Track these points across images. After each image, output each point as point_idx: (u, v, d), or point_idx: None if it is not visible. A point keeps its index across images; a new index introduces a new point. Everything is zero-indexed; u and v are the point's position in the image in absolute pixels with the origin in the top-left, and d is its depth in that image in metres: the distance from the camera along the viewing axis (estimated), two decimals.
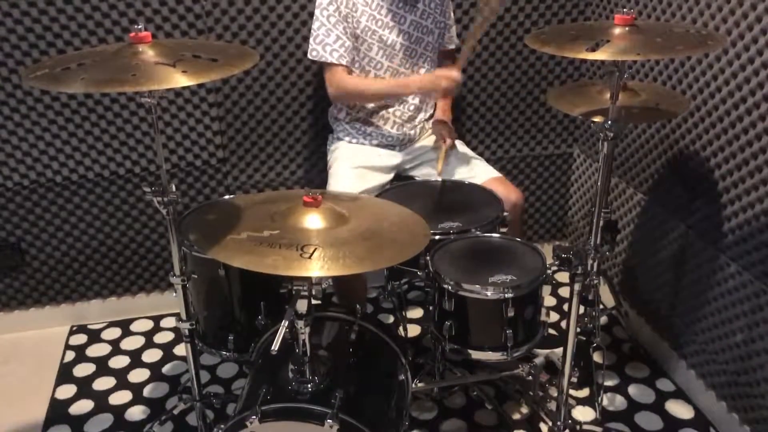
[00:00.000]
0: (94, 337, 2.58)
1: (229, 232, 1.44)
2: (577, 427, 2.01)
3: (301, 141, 2.57)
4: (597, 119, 1.84)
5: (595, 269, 1.71)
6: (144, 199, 2.51)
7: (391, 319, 2.61)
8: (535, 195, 2.87)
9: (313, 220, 1.47)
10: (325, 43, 2.10)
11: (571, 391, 2.19)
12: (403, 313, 2.56)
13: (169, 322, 2.64)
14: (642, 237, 2.39)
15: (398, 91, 2.22)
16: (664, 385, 2.25)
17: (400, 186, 2.22)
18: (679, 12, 2.04)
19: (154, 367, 2.40)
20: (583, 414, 2.12)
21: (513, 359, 1.76)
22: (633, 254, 2.47)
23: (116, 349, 2.50)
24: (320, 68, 2.23)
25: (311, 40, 2.13)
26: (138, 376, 2.36)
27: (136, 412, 2.19)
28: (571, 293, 1.70)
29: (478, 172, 2.22)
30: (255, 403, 1.44)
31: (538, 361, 2.06)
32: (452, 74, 2.07)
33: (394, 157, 2.29)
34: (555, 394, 1.92)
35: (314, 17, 2.12)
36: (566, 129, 2.77)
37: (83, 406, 2.23)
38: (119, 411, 2.20)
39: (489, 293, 1.68)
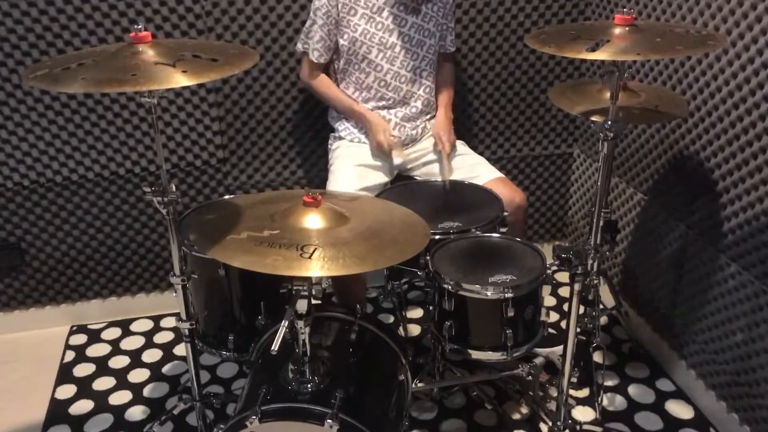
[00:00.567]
0: (94, 337, 2.58)
1: (229, 232, 1.44)
2: (577, 427, 2.01)
3: (301, 141, 2.57)
4: (596, 119, 1.84)
5: (595, 269, 1.71)
6: (144, 199, 2.51)
7: (391, 319, 2.61)
8: (535, 195, 2.87)
9: (313, 220, 1.47)
10: (311, 38, 2.21)
11: (571, 391, 2.19)
12: (403, 313, 2.57)
13: (169, 322, 2.64)
14: (642, 237, 2.39)
15: (349, 114, 2.29)
16: (664, 385, 2.25)
17: (400, 186, 2.22)
18: (679, 12, 2.04)
19: (154, 367, 2.40)
20: (583, 414, 2.12)
21: (513, 359, 1.76)
22: (633, 254, 2.47)
23: (116, 349, 2.50)
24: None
25: (302, 33, 2.25)
26: (138, 376, 2.36)
27: (136, 412, 2.19)
28: (571, 293, 1.70)
29: (481, 172, 2.22)
30: (255, 403, 1.44)
31: (538, 361, 2.06)
32: (384, 141, 2.17)
33: (395, 157, 2.28)
34: (555, 394, 1.92)
35: (310, 14, 2.20)
36: (566, 129, 2.77)
37: (83, 406, 2.23)
38: (119, 411, 2.20)
39: (489, 293, 1.68)
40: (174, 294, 1.74)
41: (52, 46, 2.26)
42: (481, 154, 2.38)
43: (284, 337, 1.41)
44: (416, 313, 2.65)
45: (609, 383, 2.24)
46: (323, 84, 2.28)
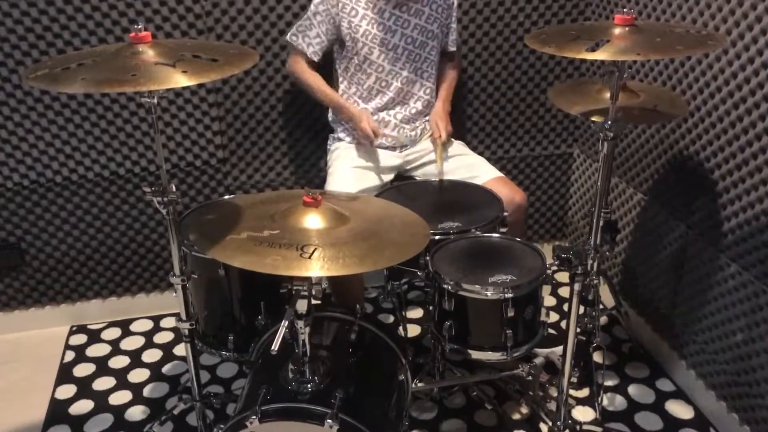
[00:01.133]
0: (94, 337, 2.58)
1: (229, 232, 1.44)
2: (577, 427, 2.01)
3: (301, 141, 2.57)
4: (596, 119, 1.84)
5: (595, 269, 1.71)
6: (144, 199, 2.51)
7: (391, 319, 2.61)
8: (535, 195, 2.87)
9: (313, 220, 1.47)
10: (305, 34, 2.21)
11: (571, 391, 2.19)
12: (403, 313, 2.56)
13: (169, 322, 2.64)
14: (642, 237, 2.39)
15: (334, 108, 2.29)
16: (664, 385, 2.25)
17: (400, 186, 2.22)
18: (679, 12, 2.04)
19: (154, 367, 2.40)
20: (583, 414, 2.12)
21: (513, 359, 1.76)
22: (633, 254, 2.47)
23: (116, 349, 2.50)
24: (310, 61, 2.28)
25: (295, 26, 2.24)
26: (138, 376, 2.36)
27: (136, 412, 2.19)
28: (571, 293, 1.70)
29: (481, 172, 2.22)
30: (255, 403, 1.44)
31: (538, 361, 2.06)
32: (369, 132, 2.15)
33: (394, 158, 2.29)
34: (555, 394, 1.92)
35: (308, 8, 2.20)
36: (566, 129, 2.77)
37: (83, 406, 2.23)
38: (119, 411, 2.20)
39: (489, 293, 1.68)
40: (174, 294, 1.74)
41: (52, 46, 2.26)
42: (480, 154, 2.38)
43: (284, 337, 1.41)
44: (416, 313, 2.65)
45: (609, 383, 2.24)
46: (310, 75, 2.26)
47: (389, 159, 2.28)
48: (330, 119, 2.38)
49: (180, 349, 2.47)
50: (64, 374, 2.38)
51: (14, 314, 2.61)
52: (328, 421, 1.39)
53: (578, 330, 1.85)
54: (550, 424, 1.95)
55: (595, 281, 1.80)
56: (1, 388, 2.34)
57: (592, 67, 2.61)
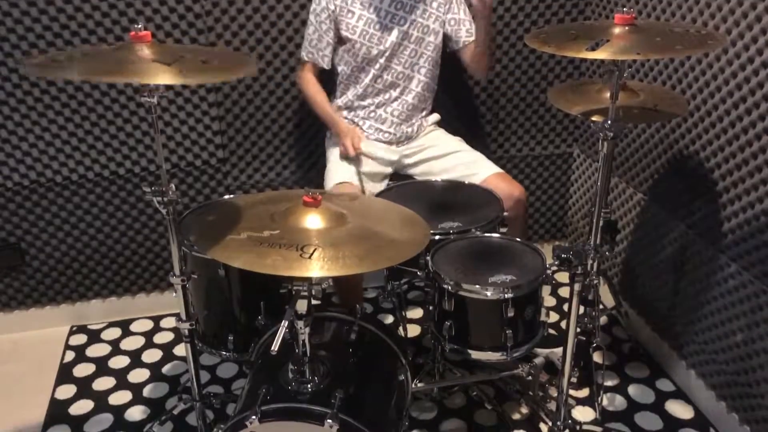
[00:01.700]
0: (94, 337, 2.58)
1: (229, 232, 1.44)
2: (577, 427, 2.01)
3: (301, 141, 2.57)
4: (596, 119, 1.84)
5: (595, 269, 1.71)
6: (144, 199, 2.51)
7: (391, 319, 2.61)
8: (535, 195, 2.87)
9: (313, 220, 1.47)
10: (318, 48, 2.22)
11: (571, 391, 2.19)
12: (403, 313, 2.56)
13: (169, 322, 2.64)
14: (642, 237, 2.39)
15: (327, 122, 2.31)
16: (664, 385, 2.25)
17: (400, 186, 2.22)
18: (679, 12, 2.04)
19: (154, 367, 2.40)
20: (583, 414, 2.12)
21: (513, 359, 1.76)
22: (633, 254, 2.46)
23: (116, 349, 2.50)
24: (319, 69, 2.29)
25: (306, 42, 2.24)
26: (138, 376, 2.36)
27: (136, 412, 2.19)
28: (571, 293, 1.70)
29: (480, 168, 2.22)
30: (255, 403, 1.44)
31: (538, 361, 2.06)
32: (349, 148, 2.15)
33: (391, 153, 2.28)
34: (555, 394, 1.92)
35: (308, 21, 2.21)
36: (566, 129, 2.77)
37: (83, 406, 2.23)
38: (119, 411, 2.20)
39: (489, 293, 1.68)
40: (174, 294, 1.74)
41: (52, 45, 2.26)
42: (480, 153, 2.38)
43: (284, 337, 1.41)
44: (416, 313, 2.65)
45: (609, 383, 2.24)
46: (314, 89, 2.29)
47: (387, 153, 2.28)
48: None
49: (180, 349, 2.47)
50: (64, 374, 2.38)
51: (14, 314, 2.61)
52: (328, 421, 1.39)
53: (578, 330, 1.84)
54: (550, 424, 1.95)
55: (595, 281, 1.80)
56: (1, 388, 2.34)
57: (592, 67, 2.61)
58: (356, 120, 2.30)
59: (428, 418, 2.11)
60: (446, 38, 2.27)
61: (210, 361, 2.38)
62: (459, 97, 2.59)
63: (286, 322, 1.43)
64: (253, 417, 1.41)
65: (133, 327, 2.64)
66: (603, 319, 2.52)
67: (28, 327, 2.62)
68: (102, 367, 2.41)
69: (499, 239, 1.89)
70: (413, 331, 2.53)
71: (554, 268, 1.71)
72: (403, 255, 1.42)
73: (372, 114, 2.26)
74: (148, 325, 2.65)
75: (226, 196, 2.39)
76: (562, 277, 2.71)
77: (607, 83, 1.83)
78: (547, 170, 2.84)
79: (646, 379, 2.27)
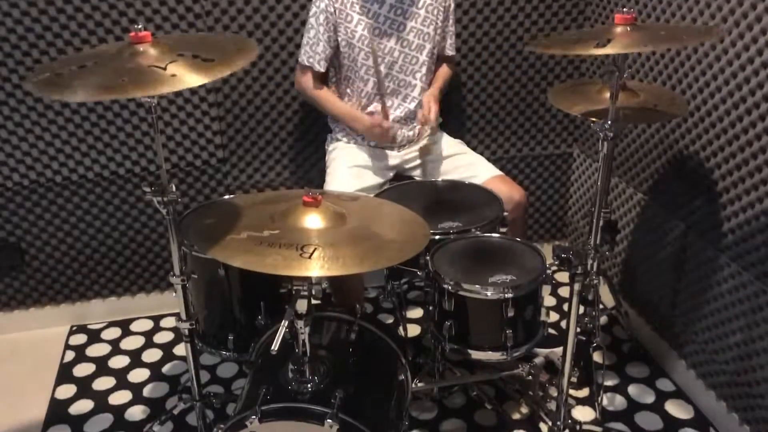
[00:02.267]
0: (94, 337, 2.58)
1: (229, 232, 1.44)
2: (577, 427, 2.01)
3: (301, 141, 2.57)
4: (596, 119, 1.84)
5: (595, 269, 1.71)
6: (144, 199, 2.51)
7: (391, 319, 2.61)
8: (535, 195, 2.87)
9: (313, 220, 1.47)
10: (315, 51, 2.18)
11: (571, 391, 2.19)
12: (403, 313, 2.56)
13: (169, 322, 2.64)
14: (642, 237, 2.39)
15: (348, 121, 2.25)
16: (664, 385, 2.25)
17: (400, 186, 2.22)
18: (679, 12, 2.04)
19: (154, 367, 2.40)
20: (583, 414, 2.12)
21: (513, 359, 1.76)
22: (633, 254, 2.46)
23: (116, 349, 2.50)
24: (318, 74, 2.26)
25: (305, 46, 2.20)
26: (138, 376, 2.36)
27: (136, 412, 2.19)
28: (571, 293, 1.70)
29: (480, 171, 2.22)
30: (255, 403, 1.44)
31: (538, 361, 2.06)
32: (384, 125, 2.14)
33: (392, 158, 2.29)
34: (555, 394, 1.92)
35: (307, 24, 2.18)
36: (566, 129, 2.77)
37: (83, 406, 2.23)
38: (119, 411, 2.20)
39: (489, 293, 1.68)
40: (174, 294, 1.74)
41: (52, 45, 2.26)
42: (480, 154, 2.38)
43: (284, 337, 1.41)
44: (416, 313, 2.65)
45: (609, 383, 2.24)
46: (320, 91, 2.24)
47: (388, 159, 2.28)
48: (329, 119, 2.38)
49: (180, 349, 2.47)
50: (64, 374, 2.38)
51: (14, 314, 2.61)
52: (328, 420, 1.39)
53: (578, 330, 1.84)
54: (550, 424, 1.95)
55: (595, 281, 1.80)
56: (1, 388, 2.34)
57: (591, 67, 2.61)
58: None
59: (428, 418, 2.11)
60: None
61: (210, 360, 2.38)
62: (459, 97, 2.59)
63: (286, 322, 1.43)
64: (253, 417, 1.41)
65: (133, 327, 2.64)
66: (603, 319, 2.52)
67: (28, 327, 2.62)
68: (102, 366, 2.41)
69: (499, 239, 1.89)
70: (413, 331, 2.53)
71: (554, 268, 1.71)
72: (403, 255, 1.42)
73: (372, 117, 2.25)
74: (148, 324, 2.65)
75: (226, 196, 2.39)
76: (562, 277, 2.71)
77: (607, 83, 1.83)
78: (547, 170, 2.84)
79: (646, 379, 2.27)
